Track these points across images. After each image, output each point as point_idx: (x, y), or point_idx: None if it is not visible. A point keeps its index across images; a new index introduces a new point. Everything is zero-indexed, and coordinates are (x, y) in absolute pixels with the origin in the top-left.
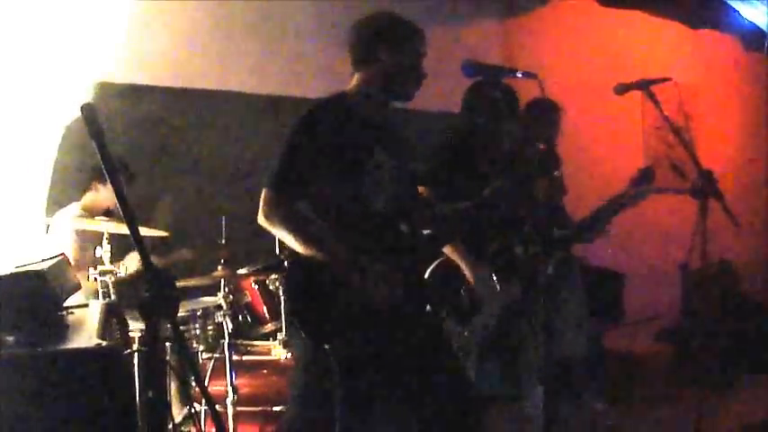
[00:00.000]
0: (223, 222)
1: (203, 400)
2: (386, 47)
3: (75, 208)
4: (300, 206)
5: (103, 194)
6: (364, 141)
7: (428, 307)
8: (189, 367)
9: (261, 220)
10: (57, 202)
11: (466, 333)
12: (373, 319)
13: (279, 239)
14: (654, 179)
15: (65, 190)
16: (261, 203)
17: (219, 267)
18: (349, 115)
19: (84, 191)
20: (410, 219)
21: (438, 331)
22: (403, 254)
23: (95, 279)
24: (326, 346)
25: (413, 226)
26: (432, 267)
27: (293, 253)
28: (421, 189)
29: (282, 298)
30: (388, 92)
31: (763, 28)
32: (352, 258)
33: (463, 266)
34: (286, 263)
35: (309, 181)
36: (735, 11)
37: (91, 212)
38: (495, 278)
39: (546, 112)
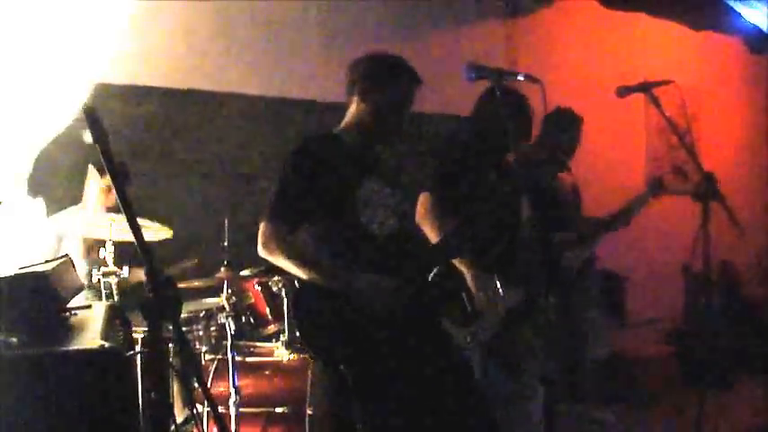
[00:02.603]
0: (225, 224)
1: (206, 402)
2: (366, 90)
3: (67, 211)
4: (301, 235)
5: (96, 197)
6: (353, 172)
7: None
8: (191, 369)
9: (260, 250)
10: (57, 202)
11: (468, 338)
12: (383, 337)
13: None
14: (661, 188)
15: (67, 190)
16: (259, 235)
17: (222, 269)
18: (337, 150)
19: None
20: (409, 240)
21: (449, 344)
22: (404, 272)
23: (98, 280)
24: (341, 367)
25: (412, 246)
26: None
27: (297, 283)
28: (423, 196)
29: (285, 300)
30: (369, 131)
31: (766, 30)
32: (351, 277)
33: (465, 273)
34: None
35: (306, 211)
36: (737, 13)
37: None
38: (498, 283)
39: (568, 123)
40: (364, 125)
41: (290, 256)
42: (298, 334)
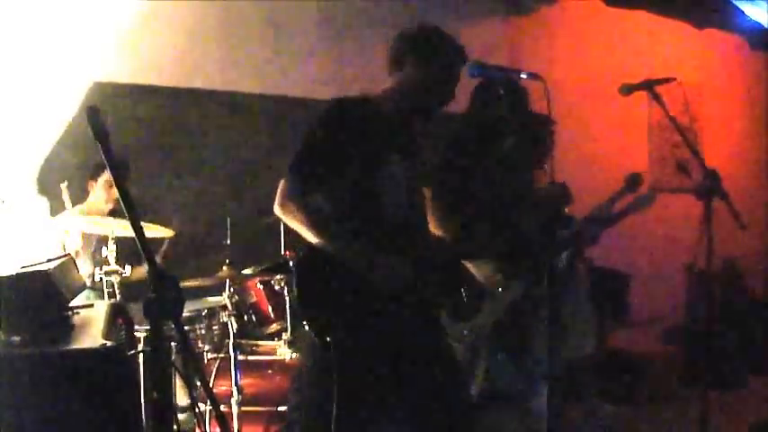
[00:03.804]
0: (228, 223)
1: (208, 401)
2: (413, 59)
3: (74, 211)
4: (317, 200)
5: (97, 195)
6: (381, 143)
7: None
8: (193, 368)
9: (276, 207)
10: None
11: (466, 332)
12: (379, 316)
13: (284, 240)
14: (640, 185)
15: (72, 191)
16: (279, 191)
17: (224, 267)
18: (371, 116)
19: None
20: (420, 223)
21: (441, 335)
22: (411, 255)
23: (100, 279)
24: (328, 339)
25: (422, 230)
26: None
27: (303, 246)
28: (424, 191)
29: (287, 298)
30: (410, 102)
31: None
32: (361, 251)
33: (469, 266)
34: (291, 263)
35: (327, 173)
36: (740, 10)
37: (87, 213)
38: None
39: (540, 128)
40: (408, 93)
41: (304, 215)
42: (295, 301)
